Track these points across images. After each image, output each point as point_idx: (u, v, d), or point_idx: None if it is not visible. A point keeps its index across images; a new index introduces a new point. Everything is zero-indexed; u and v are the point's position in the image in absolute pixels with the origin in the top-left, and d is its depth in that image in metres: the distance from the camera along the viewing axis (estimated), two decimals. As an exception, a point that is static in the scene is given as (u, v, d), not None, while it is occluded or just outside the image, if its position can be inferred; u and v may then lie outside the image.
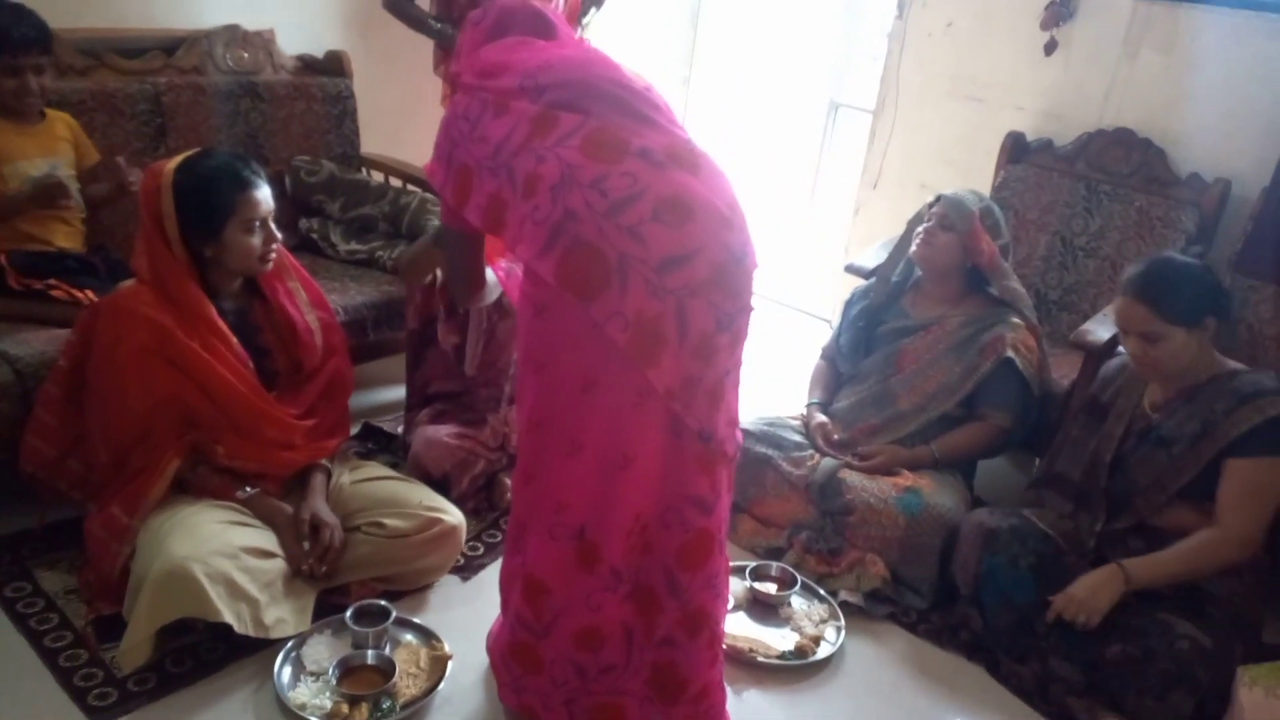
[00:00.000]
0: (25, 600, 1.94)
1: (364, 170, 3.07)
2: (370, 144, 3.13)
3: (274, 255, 1.99)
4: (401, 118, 3.30)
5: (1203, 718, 1.84)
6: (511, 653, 1.67)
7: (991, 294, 2.48)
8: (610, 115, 1.45)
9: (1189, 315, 1.91)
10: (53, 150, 2.33)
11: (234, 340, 1.95)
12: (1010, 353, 2.36)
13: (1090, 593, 1.94)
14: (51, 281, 2.20)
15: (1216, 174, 2.71)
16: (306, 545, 1.94)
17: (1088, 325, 2.41)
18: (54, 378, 1.96)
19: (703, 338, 1.44)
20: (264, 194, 1.94)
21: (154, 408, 1.87)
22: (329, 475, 2.09)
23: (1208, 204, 2.69)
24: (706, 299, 1.43)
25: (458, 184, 1.53)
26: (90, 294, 2.19)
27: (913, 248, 2.51)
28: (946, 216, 2.43)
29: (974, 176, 3.07)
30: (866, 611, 2.21)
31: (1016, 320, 2.42)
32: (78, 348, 1.94)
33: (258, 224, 1.92)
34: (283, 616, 1.87)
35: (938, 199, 2.48)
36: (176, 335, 1.87)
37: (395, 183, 2.99)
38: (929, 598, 2.24)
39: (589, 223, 1.40)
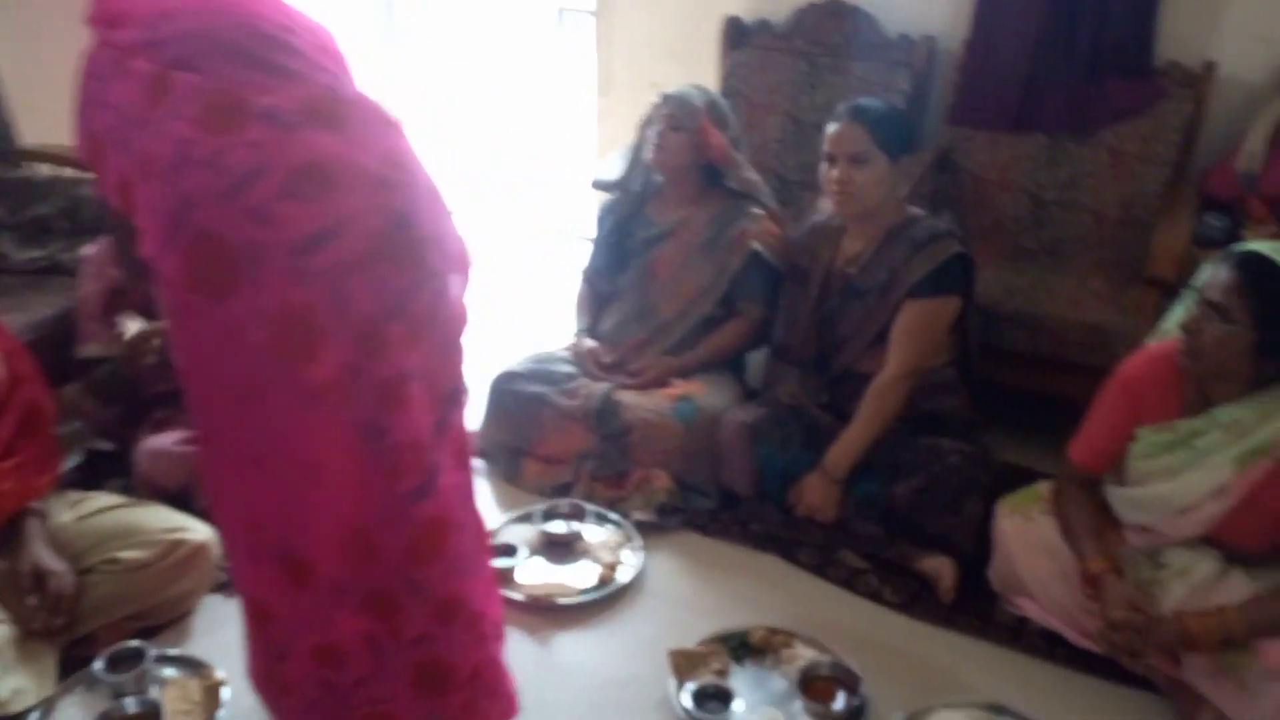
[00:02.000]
0: None
1: (26, 165, 2.68)
2: (34, 134, 2.73)
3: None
4: (65, 98, 2.89)
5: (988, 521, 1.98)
6: (259, 679, 1.52)
7: (731, 187, 2.47)
8: (232, 72, 1.23)
9: (895, 144, 2.08)
10: None
11: (-107, 391, 1.67)
12: (756, 244, 2.37)
13: (813, 496, 2.11)
14: None
15: (923, 32, 2.78)
16: (33, 600, 1.72)
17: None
18: None
19: (365, 322, 1.25)
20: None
21: None
22: (44, 518, 1.84)
23: (918, 62, 2.77)
24: (368, 275, 1.24)
25: (90, 157, 1.30)
26: None
27: (646, 153, 2.46)
28: (674, 116, 2.38)
29: (701, 68, 3.03)
30: (660, 526, 2.21)
31: (757, 210, 2.42)
32: None
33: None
34: (20, 686, 1.67)
35: (664, 99, 2.43)
36: None
37: (68, 173, 2.64)
38: (716, 498, 2.26)
39: (209, 208, 1.19)
